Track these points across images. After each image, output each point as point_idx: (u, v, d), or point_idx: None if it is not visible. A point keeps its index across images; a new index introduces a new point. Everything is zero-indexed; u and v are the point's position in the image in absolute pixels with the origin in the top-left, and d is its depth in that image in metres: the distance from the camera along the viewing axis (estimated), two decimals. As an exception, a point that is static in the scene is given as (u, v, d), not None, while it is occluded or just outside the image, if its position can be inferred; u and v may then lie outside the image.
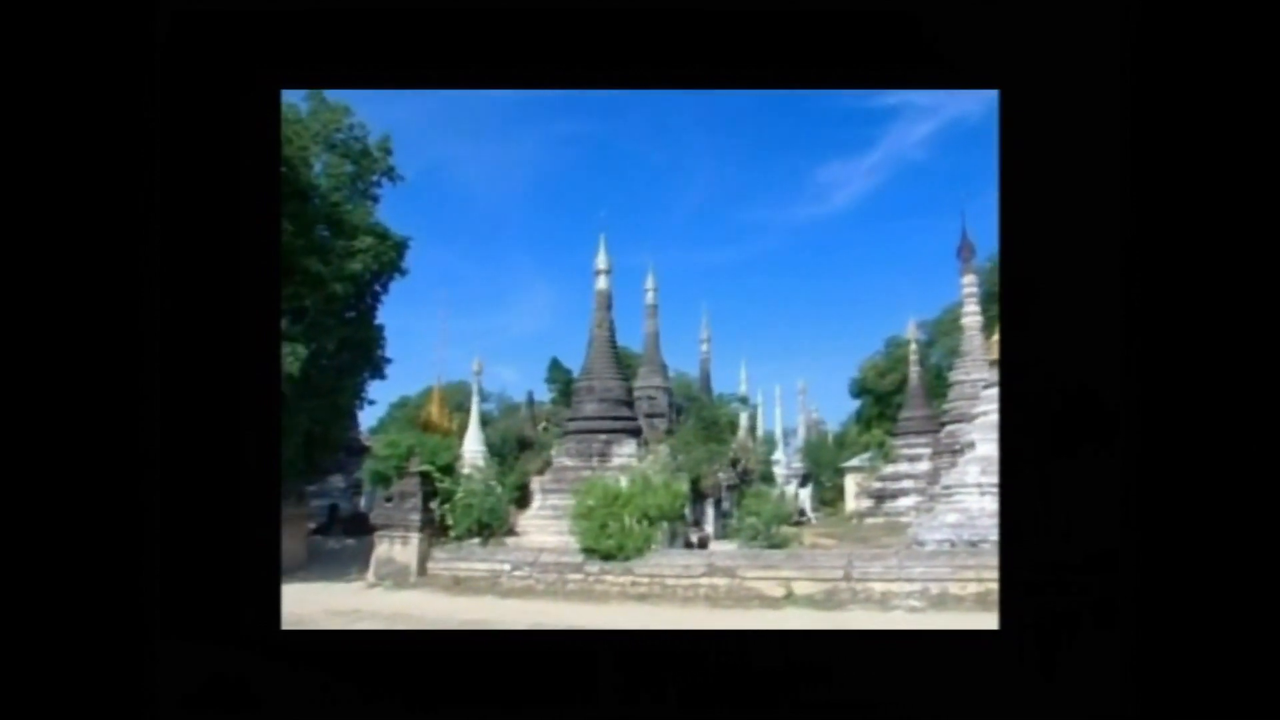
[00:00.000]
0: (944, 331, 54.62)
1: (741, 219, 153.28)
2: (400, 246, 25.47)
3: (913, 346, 46.82)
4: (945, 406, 38.74)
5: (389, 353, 26.69)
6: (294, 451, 22.69)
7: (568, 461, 30.77)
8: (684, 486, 26.17)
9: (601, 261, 33.37)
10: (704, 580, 18.26)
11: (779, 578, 17.81)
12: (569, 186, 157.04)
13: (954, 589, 16.27)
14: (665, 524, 22.01)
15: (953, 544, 20.25)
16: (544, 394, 47.89)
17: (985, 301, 36.82)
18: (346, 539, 31.20)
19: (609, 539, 19.58)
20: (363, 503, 38.26)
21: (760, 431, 57.72)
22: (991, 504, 20.02)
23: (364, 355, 25.70)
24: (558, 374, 47.81)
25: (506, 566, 20.33)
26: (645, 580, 18.79)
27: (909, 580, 16.88)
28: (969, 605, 15.50)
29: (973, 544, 19.26)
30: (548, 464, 32.43)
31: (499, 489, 25.48)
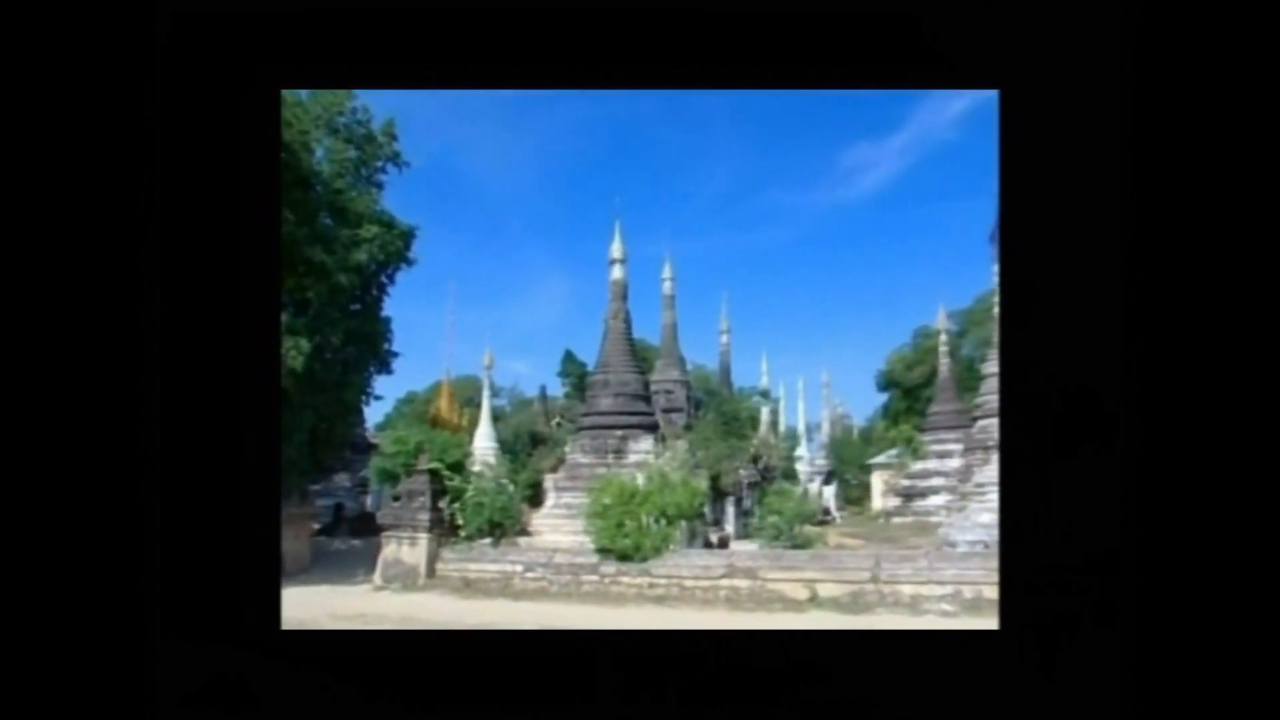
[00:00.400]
0: (976, 321, 54.38)
1: (763, 204, 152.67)
2: (407, 236, 25.34)
3: (943, 337, 46.49)
4: (977, 400, 37.96)
5: (396, 346, 26.43)
6: (298, 449, 22.64)
7: (582, 458, 30.72)
8: (703, 484, 26.05)
9: (616, 250, 33.21)
10: (724, 582, 18.18)
11: (802, 579, 17.73)
12: (583, 172, 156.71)
13: (988, 592, 15.69)
14: (683, 523, 21.91)
15: (986, 545, 20.09)
16: (557, 388, 48.05)
17: (1019, 290, 36.52)
18: (352, 539, 31.16)
19: (625, 539, 19.52)
20: (369, 502, 38.47)
21: (782, 426, 57.49)
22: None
23: (370, 349, 25.51)
24: (571, 367, 47.98)
25: (519, 568, 20.25)
26: (663, 582, 18.72)
27: (940, 583, 16.77)
28: (1005, 610, 15.31)
29: (1006, 545, 19.11)
30: (561, 461, 32.46)
31: (511, 487, 25.45)
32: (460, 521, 22.54)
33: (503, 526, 23.01)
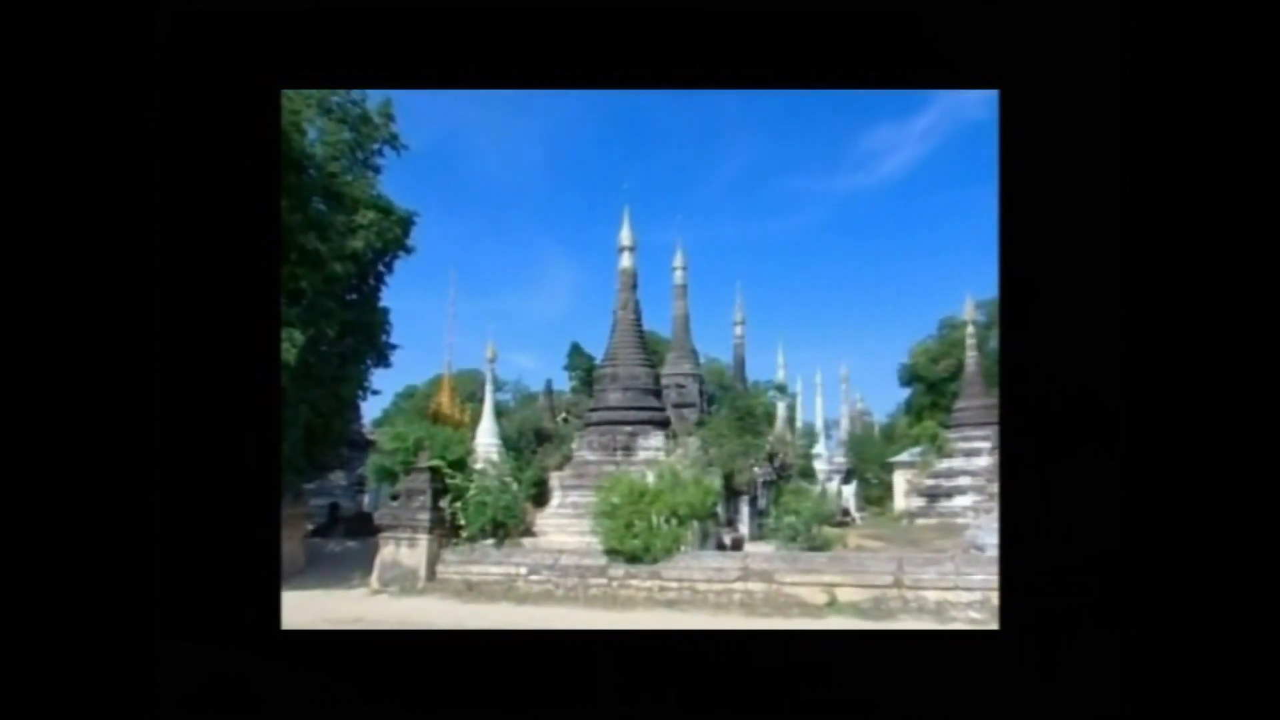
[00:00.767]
0: (1005, 312, 54.10)
1: (779, 190, 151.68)
2: (406, 222, 25.32)
3: (970, 329, 46.03)
4: (1006, 395, 38.22)
5: (395, 338, 26.50)
6: (292, 446, 22.51)
7: (589, 455, 31.03)
8: (716, 483, 26.26)
9: (626, 238, 33.49)
10: (738, 585, 18.19)
11: (821, 583, 17.71)
12: (591, 156, 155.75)
13: (1018, 599, 15.81)
14: (695, 523, 22.04)
15: (1016, 548, 20.04)
16: (563, 382, 48.36)
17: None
18: (348, 541, 31.06)
19: (634, 539, 19.46)
20: (366, 501, 38.65)
21: (799, 422, 57.65)
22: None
23: (367, 341, 25.47)
24: (578, 360, 48.21)
25: (523, 570, 20.22)
26: (674, 585, 18.72)
27: (968, 589, 16.62)
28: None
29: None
30: (568, 458, 32.69)
31: (515, 485, 25.48)
32: (462, 522, 22.49)
33: (506, 527, 23.00)
